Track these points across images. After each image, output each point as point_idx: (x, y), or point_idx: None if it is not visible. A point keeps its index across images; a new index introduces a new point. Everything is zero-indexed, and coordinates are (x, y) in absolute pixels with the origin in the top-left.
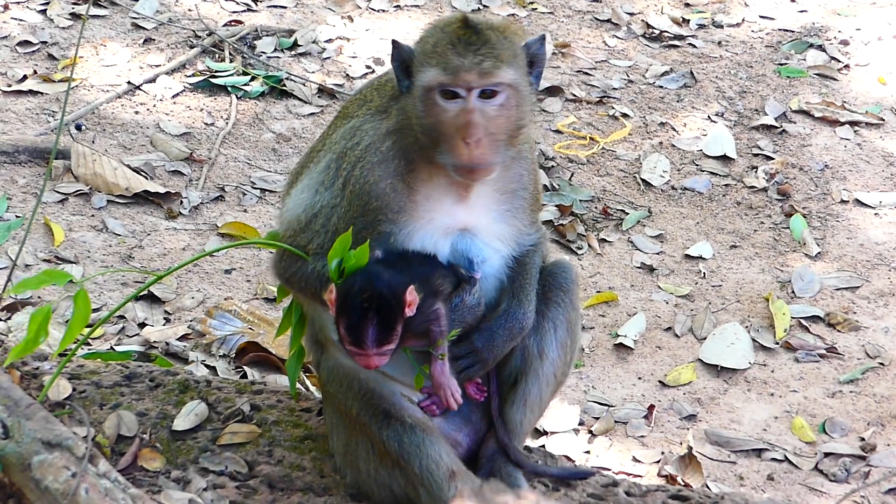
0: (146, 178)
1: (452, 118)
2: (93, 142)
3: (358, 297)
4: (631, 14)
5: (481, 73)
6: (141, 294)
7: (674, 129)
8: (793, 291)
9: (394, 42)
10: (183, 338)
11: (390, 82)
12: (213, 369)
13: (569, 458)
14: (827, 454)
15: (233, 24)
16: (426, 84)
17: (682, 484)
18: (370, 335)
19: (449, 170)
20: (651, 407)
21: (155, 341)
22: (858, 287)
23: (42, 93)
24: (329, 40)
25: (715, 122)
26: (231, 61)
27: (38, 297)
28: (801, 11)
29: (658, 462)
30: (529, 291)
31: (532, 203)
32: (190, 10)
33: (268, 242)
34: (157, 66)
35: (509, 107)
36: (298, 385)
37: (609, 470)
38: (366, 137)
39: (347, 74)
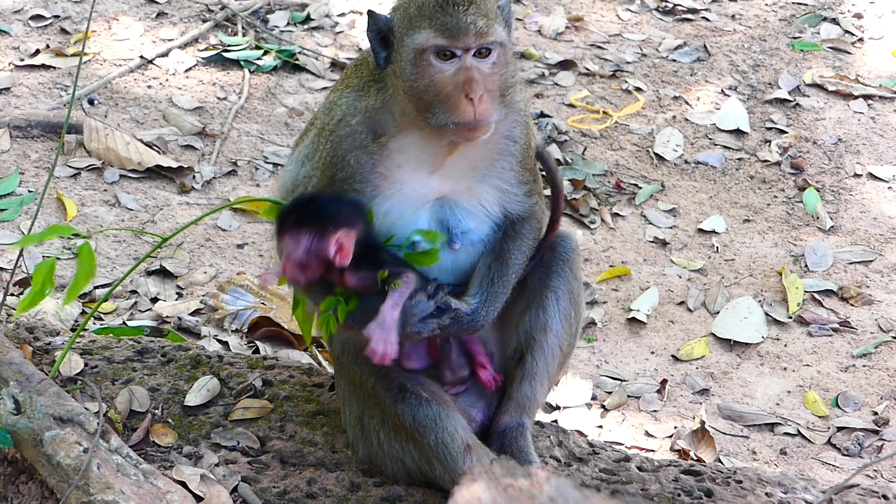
0: (159, 153)
1: (450, 77)
2: (105, 116)
3: (297, 201)
4: None
5: (478, 34)
6: (153, 269)
7: (687, 103)
8: (806, 265)
9: (370, 12)
10: (195, 312)
11: (366, 62)
12: (225, 344)
13: (581, 433)
14: (840, 428)
15: None
16: (419, 46)
17: (695, 458)
18: (288, 234)
19: (447, 130)
20: (664, 381)
21: (167, 316)
22: (872, 261)
23: (55, 67)
24: (342, 14)
25: (728, 95)
26: (244, 35)
27: None
28: None
29: (671, 437)
30: (502, 288)
31: (523, 159)
32: None
33: (264, 199)
34: (169, 40)
35: (501, 64)
36: (311, 360)
37: (622, 445)
38: (338, 112)
39: (360, 48)
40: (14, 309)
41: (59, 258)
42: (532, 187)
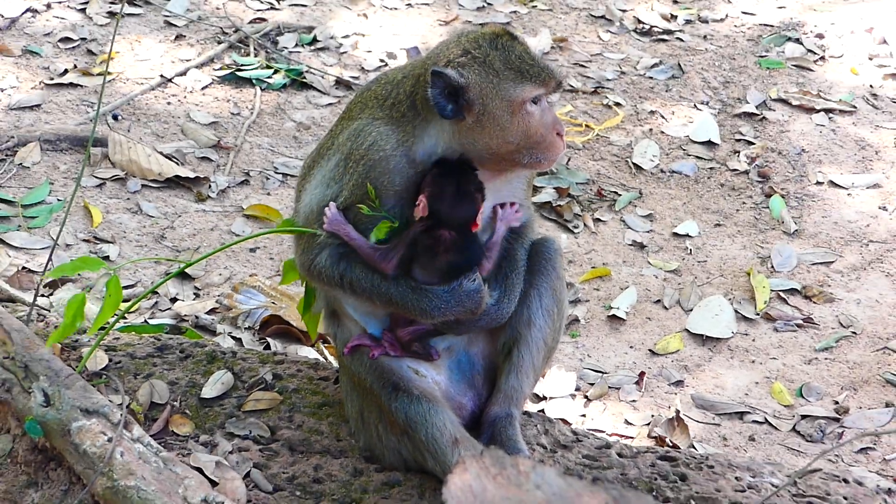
0: (177, 164)
1: (539, 120)
2: (128, 130)
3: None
4: (623, 11)
5: (558, 76)
6: (173, 271)
7: (663, 117)
8: (772, 266)
9: (436, 72)
10: (211, 311)
11: (396, 101)
12: (238, 341)
13: (565, 422)
14: (804, 416)
15: (257, 21)
16: (520, 98)
17: (671, 445)
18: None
19: (536, 164)
20: (642, 374)
21: (185, 315)
22: (833, 262)
23: (82, 85)
24: (346, 36)
25: (700, 110)
26: (255, 56)
27: (78, 275)
28: (780, 7)
29: (648, 424)
30: (517, 281)
31: (528, 179)
32: (218, 8)
33: (294, 230)
34: (187, 60)
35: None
36: (317, 355)
37: (603, 432)
38: (368, 139)
39: (362, 67)
40: (45, 309)
41: (91, 283)
42: (530, 196)
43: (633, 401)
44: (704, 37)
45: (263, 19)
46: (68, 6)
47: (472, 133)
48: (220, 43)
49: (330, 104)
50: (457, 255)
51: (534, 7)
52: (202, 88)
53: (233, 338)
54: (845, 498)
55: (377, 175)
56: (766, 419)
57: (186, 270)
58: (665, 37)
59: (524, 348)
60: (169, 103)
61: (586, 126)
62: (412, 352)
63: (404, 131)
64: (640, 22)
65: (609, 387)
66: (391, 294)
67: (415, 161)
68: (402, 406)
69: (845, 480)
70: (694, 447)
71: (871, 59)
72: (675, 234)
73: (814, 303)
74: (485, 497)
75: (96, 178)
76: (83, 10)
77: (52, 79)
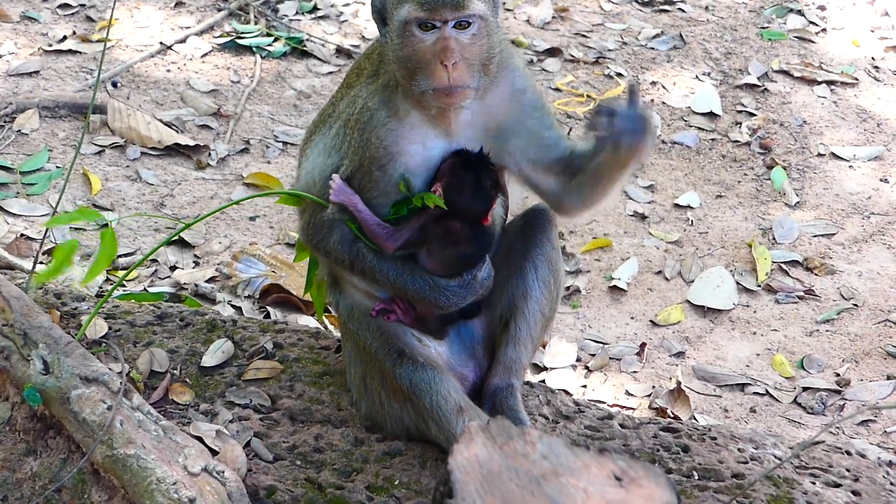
0: (177, 132)
1: (429, 47)
2: (128, 98)
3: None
4: None
5: (454, 7)
6: (173, 239)
7: (664, 88)
8: (773, 238)
9: None
10: (211, 280)
11: (376, 49)
12: (238, 309)
13: (567, 392)
14: (805, 389)
15: None
16: (403, 19)
17: (672, 416)
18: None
19: (427, 96)
20: (643, 344)
21: (185, 283)
22: (834, 234)
23: (81, 52)
24: (346, 4)
25: (702, 81)
26: (256, 24)
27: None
28: None
29: (649, 396)
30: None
31: (539, 105)
32: None
33: (289, 192)
34: (187, 27)
35: (481, 35)
36: (318, 325)
37: (604, 403)
38: (360, 101)
39: (363, 36)
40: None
41: (84, 229)
42: (556, 127)
43: (634, 372)
44: (706, 7)
45: None
46: None
47: (387, 56)
48: (219, 10)
49: (330, 73)
50: (467, 247)
51: None
52: (202, 56)
53: (233, 306)
54: (848, 470)
55: (368, 134)
56: (767, 391)
57: (186, 238)
58: (667, 7)
59: (521, 320)
60: (168, 71)
61: (588, 96)
62: (428, 326)
63: (380, 76)
64: None
65: (610, 358)
66: (407, 287)
67: (397, 112)
68: (406, 372)
69: (848, 452)
70: (695, 418)
71: (872, 31)
72: (677, 205)
73: (815, 275)
74: (491, 467)
75: (95, 145)
76: None
77: (50, 45)
